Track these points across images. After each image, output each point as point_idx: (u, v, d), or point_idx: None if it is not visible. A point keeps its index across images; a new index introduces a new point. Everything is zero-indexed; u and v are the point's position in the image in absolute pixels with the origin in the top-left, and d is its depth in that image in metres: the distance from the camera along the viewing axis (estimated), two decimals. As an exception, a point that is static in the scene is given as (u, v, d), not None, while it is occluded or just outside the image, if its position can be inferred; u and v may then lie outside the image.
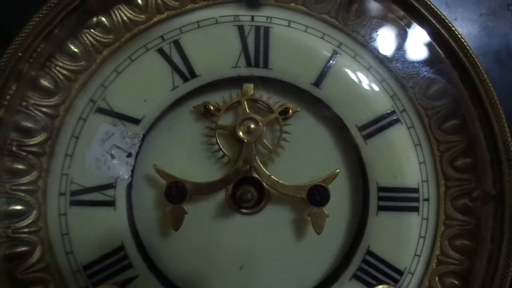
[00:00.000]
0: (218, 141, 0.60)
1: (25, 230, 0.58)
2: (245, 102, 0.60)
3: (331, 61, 0.60)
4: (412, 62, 0.61)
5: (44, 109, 0.58)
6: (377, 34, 0.62)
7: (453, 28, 0.59)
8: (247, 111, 0.60)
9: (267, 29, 0.60)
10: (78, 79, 0.59)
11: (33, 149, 0.58)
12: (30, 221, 0.58)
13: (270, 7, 0.62)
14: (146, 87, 0.59)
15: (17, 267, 0.57)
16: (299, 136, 0.61)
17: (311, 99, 0.60)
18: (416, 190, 0.60)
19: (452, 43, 0.59)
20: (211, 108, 0.60)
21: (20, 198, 0.58)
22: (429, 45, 0.61)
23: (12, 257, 0.57)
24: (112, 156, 0.58)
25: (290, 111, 0.60)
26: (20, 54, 0.55)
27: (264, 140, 0.60)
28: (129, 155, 0.59)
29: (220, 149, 0.60)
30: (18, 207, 0.58)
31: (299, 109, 0.61)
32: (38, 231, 0.58)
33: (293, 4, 0.62)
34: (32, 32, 0.55)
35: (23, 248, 0.57)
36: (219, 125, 0.60)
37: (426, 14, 0.59)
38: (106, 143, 0.58)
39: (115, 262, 0.58)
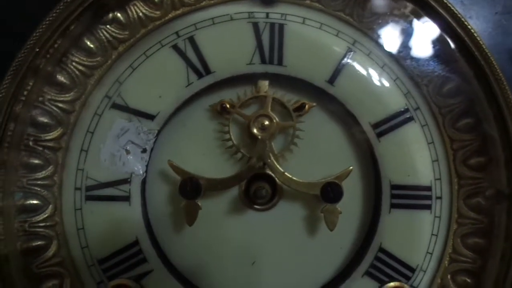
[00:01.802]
0: (230, 130, 0.60)
1: (41, 224, 0.58)
2: (271, 100, 0.59)
3: (345, 59, 0.60)
4: (427, 60, 0.61)
5: (60, 105, 0.59)
6: (392, 32, 0.61)
7: (468, 26, 0.58)
8: (269, 109, 0.59)
9: (281, 26, 0.60)
10: (93, 74, 0.60)
11: (49, 144, 0.59)
12: (46, 215, 0.58)
13: (285, 4, 0.61)
14: (161, 83, 0.59)
15: (34, 261, 0.58)
16: (312, 133, 0.61)
17: (325, 96, 0.60)
18: (429, 188, 0.60)
19: (467, 41, 0.58)
20: (227, 106, 0.60)
21: (36, 192, 0.58)
22: (443, 43, 0.61)
23: (28, 251, 0.58)
24: (127, 152, 0.59)
25: (307, 106, 0.60)
26: (37, 50, 0.55)
27: (272, 144, 0.60)
28: (144, 150, 0.59)
29: (229, 136, 0.60)
30: (35, 202, 0.58)
31: (314, 104, 0.61)
32: (54, 225, 0.59)
33: (308, 1, 0.62)
34: (48, 28, 0.56)
35: (39, 242, 0.58)
36: (236, 110, 0.60)
37: (441, 11, 0.59)
38: (121, 139, 0.59)
39: (129, 256, 0.58)
